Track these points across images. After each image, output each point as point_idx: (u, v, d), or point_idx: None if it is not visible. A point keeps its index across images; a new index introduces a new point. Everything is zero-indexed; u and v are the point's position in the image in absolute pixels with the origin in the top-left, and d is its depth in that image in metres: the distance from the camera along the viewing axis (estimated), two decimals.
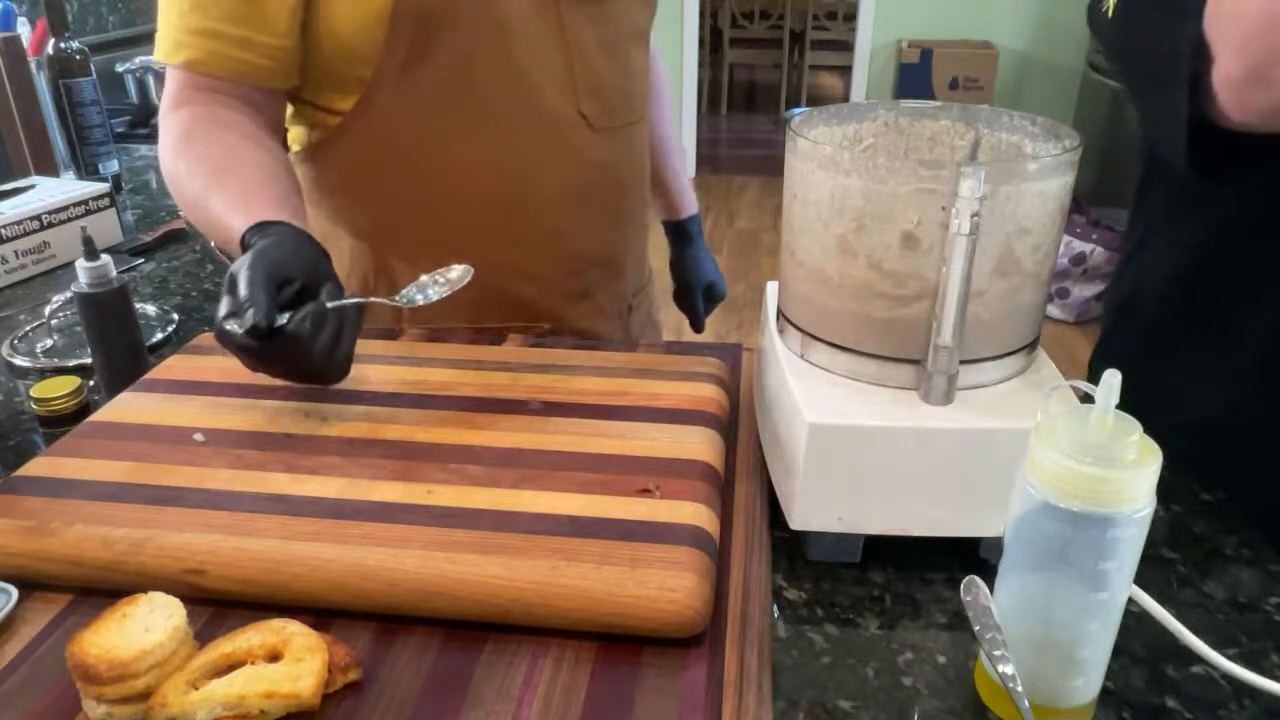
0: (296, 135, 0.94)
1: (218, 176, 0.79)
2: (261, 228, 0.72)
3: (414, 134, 0.86)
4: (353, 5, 0.80)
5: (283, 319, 0.64)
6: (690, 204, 1.24)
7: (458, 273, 0.73)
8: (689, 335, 1.29)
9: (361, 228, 0.94)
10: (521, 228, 0.92)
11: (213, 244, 1.27)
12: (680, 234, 1.24)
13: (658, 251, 1.16)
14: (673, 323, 1.28)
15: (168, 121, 0.84)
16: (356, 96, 0.85)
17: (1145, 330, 0.81)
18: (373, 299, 0.73)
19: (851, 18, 4.96)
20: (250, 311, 0.63)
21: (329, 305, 0.67)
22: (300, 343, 0.65)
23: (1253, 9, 0.54)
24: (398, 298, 0.72)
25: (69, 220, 1.19)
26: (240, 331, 0.63)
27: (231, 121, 0.83)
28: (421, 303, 0.71)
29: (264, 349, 0.64)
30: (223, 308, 0.65)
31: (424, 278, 0.73)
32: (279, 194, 0.78)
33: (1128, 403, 0.45)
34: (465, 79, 0.84)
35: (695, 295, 1.25)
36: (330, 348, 0.66)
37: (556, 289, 0.97)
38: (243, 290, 0.64)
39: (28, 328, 0.99)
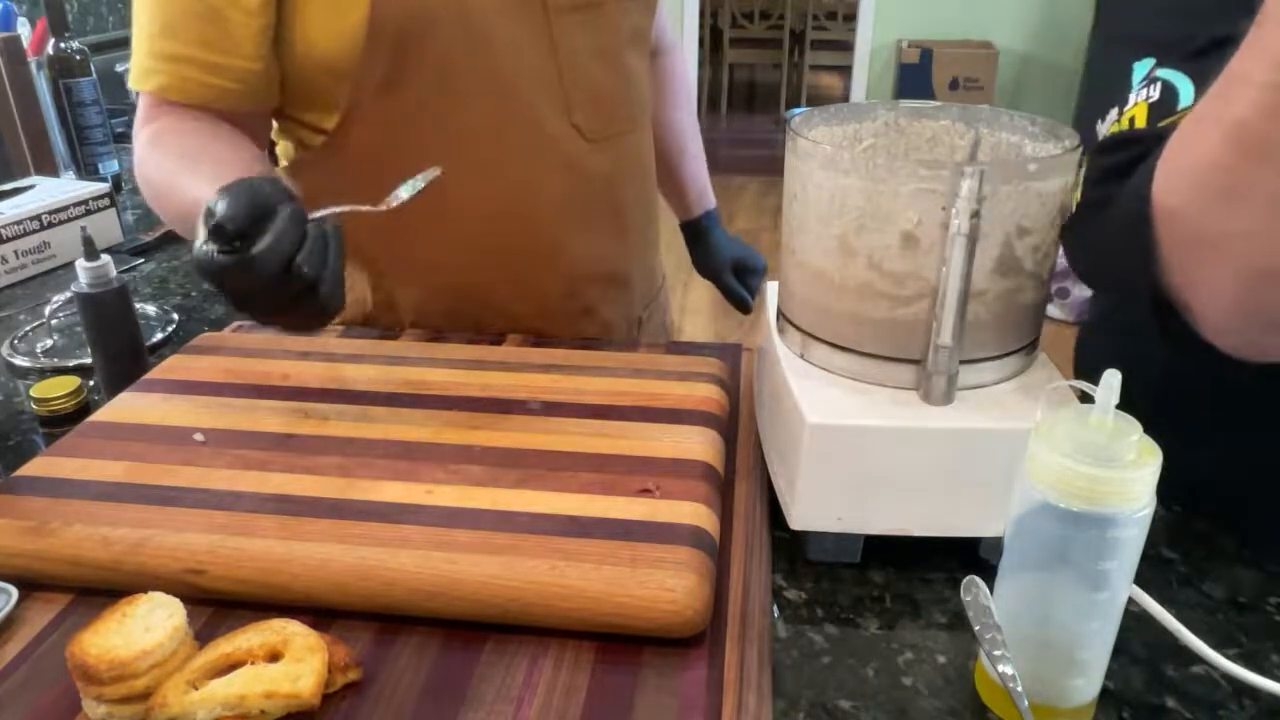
0: (284, 150, 0.92)
1: (190, 164, 0.76)
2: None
3: (399, 151, 0.83)
4: (328, 22, 0.78)
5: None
6: (706, 201, 1.21)
7: (424, 173, 0.68)
8: (689, 335, 1.28)
9: (353, 247, 0.92)
10: (516, 246, 0.90)
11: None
12: (695, 231, 1.22)
13: (671, 251, 1.14)
14: (673, 323, 1.27)
15: (140, 136, 0.82)
16: (339, 115, 0.83)
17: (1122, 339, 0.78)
18: (349, 208, 0.66)
19: (851, 18, 4.97)
20: (229, 222, 0.57)
21: (309, 217, 0.61)
22: (282, 251, 0.58)
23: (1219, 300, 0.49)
24: (380, 205, 0.67)
25: (69, 220, 1.19)
26: (216, 247, 0.57)
27: (206, 125, 0.82)
28: (395, 205, 0.67)
29: (245, 263, 0.58)
30: (199, 236, 0.59)
31: (399, 189, 0.68)
32: (255, 175, 0.75)
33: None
34: (449, 94, 0.82)
35: (725, 278, 1.21)
36: (320, 262, 0.61)
37: (557, 308, 0.95)
38: (221, 209, 0.58)
39: (28, 328, 0.99)
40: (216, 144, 0.80)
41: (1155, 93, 0.56)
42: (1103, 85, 0.62)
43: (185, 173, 0.76)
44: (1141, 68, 0.57)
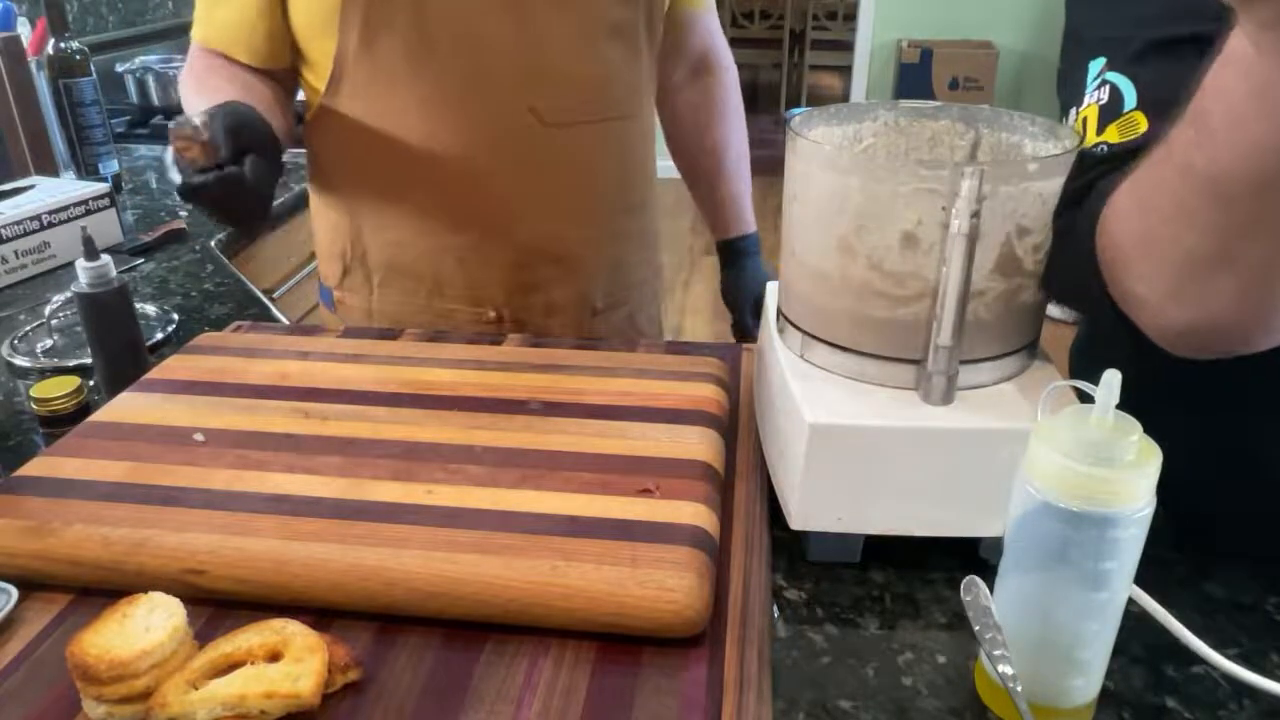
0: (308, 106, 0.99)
1: (198, 88, 0.91)
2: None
3: (377, 111, 0.91)
4: None
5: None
6: (743, 224, 1.17)
7: None
8: (689, 335, 1.27)
9: (344, 200, 0.99)
10: (472, 213, 0.95)
11: (212, 243, 1.27)
12: (729, 254, 1.18)
13: (671, 251, 1.12)
14: (671, 324, 1.25)
15: (185, 81, 0.96)
16: (329, 74, 0.90)
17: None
18: None
19: (851, 18, 4.96)
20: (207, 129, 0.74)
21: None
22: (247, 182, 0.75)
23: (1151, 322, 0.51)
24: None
25: (69, 220, 1.19)
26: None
27: (232, 73, 0.92)
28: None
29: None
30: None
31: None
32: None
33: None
34: (420, 61, 0.88)
35: (743, 316, 1.16)
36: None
37: (506, 278, 0.99)
38: (197, 118, 0.74)
39: (28, 328, 0.99)
40: (223, 83, 0.91)
41: (1105, 95, 0.56)
42: (1066, 83, 0.62)
43: (194, 95, 0.91)
44: (1095, 67, 0.58)
